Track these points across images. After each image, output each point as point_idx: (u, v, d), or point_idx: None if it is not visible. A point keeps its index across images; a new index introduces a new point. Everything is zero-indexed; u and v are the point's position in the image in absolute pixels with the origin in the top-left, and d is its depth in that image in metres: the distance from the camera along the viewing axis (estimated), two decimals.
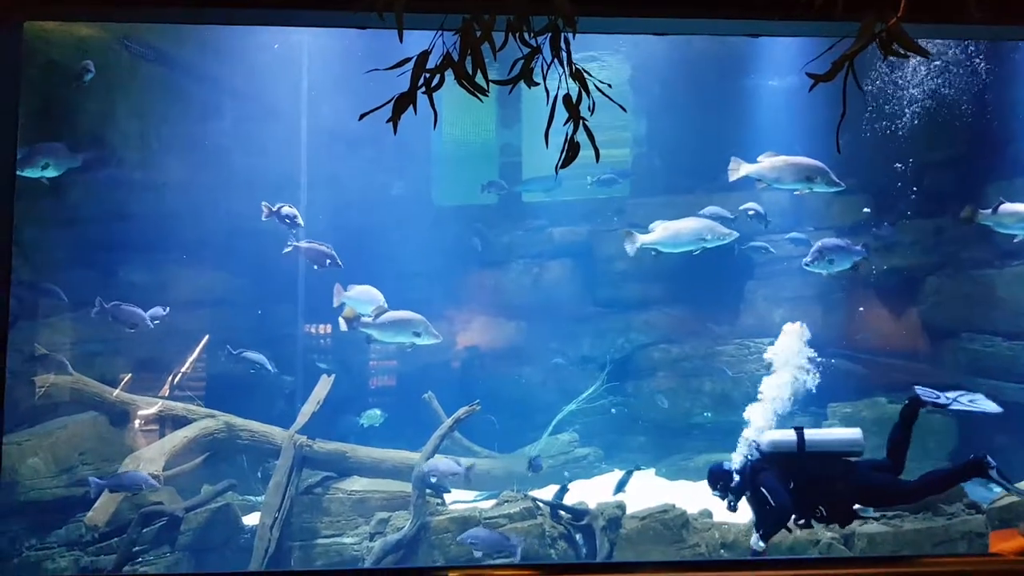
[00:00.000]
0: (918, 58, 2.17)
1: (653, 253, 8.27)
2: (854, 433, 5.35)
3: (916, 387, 5.45)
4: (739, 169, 7.82)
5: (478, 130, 12.14)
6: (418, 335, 7.82)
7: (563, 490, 7.88)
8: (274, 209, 7.92)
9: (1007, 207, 7.94)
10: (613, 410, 10.84)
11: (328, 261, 7.87)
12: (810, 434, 5.20)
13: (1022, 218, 7.90)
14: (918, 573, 3.29)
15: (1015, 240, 8.10)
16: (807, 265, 8.04)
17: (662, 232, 8.16)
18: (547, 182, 11.23)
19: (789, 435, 5.18)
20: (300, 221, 7.91)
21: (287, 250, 7.96)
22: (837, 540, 6.78)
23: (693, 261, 11.00)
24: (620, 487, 8.16)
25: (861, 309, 10.87)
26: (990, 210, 7.98)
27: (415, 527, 7.29)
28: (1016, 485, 5.60)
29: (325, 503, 7.92)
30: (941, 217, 10.44)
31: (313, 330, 10.91)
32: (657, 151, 11.57)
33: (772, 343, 10.64)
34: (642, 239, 8.19)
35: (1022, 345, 9.70)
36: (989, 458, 5.18)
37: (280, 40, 9.49)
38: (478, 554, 6.74)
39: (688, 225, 8.18)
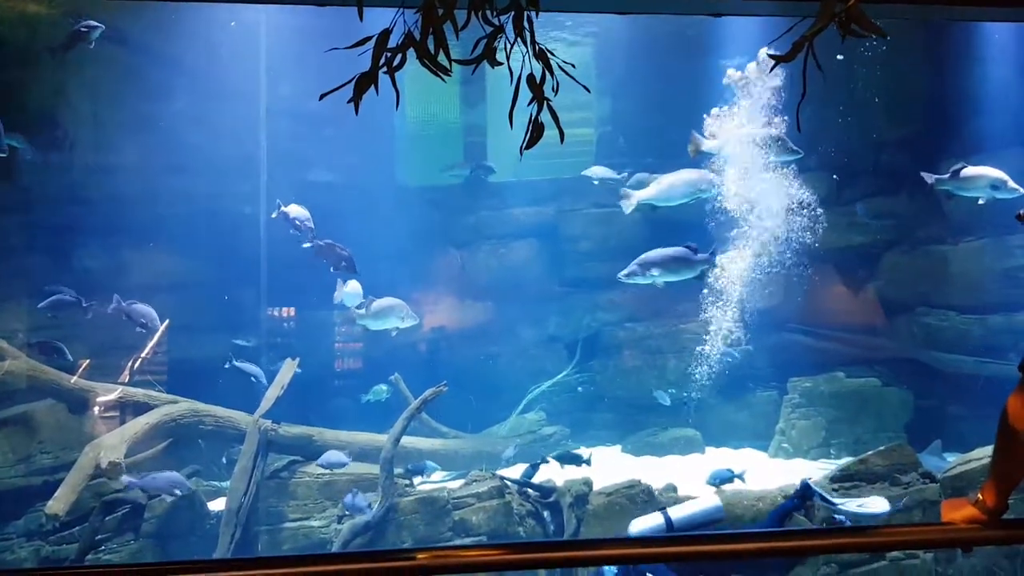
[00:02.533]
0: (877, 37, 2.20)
1: (651, 210, 8.07)
2: (714, 502, 5.38)
3: (808, 480, 5.55)
4: (698, 145, 7.79)
5: (442, 109, 12.02)
6: (402, 319, 8.12)
7: (533, 468, 7.92)
8: (284, 209, 7.71)
9: (969, 170, 7.86)
10: (580, 388, 10.93)
11: (343, 264, 7.78)
12: (674, 512, 5.22)
13: (986, 181, 7.84)
14: (875, 543, 3.38)
15: (979, 203, 7.97)
16: (622, 278, 7.83)
17: (656, 188, 7.92)
18: (464, 167, 11.13)
19: (656, 519, 5.19)
20: (311, 224, 7.73)
21: (306, 245, 7.77)
22: (799, 512, 6.95)
23: (656, 239, 11.11)
24: (562, 460, 8.04)
25: (820, 285, 11.07)
26: (948, 175, 7.94)
27: (383, 509, 7.30)
28: (839, 506, 5.82)
29: (292, 487, 7.88)
30: (897, 195, 10.65)
31: (276, 313, 10.78)
32: (621, 129, 11.60)
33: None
34: (638, 196, 7.95)
35: (974, 319, 9.97)
36: (811, 485, 5.47)
37: (236, 18, 9.26)
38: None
39: (682, 177, 7.87)
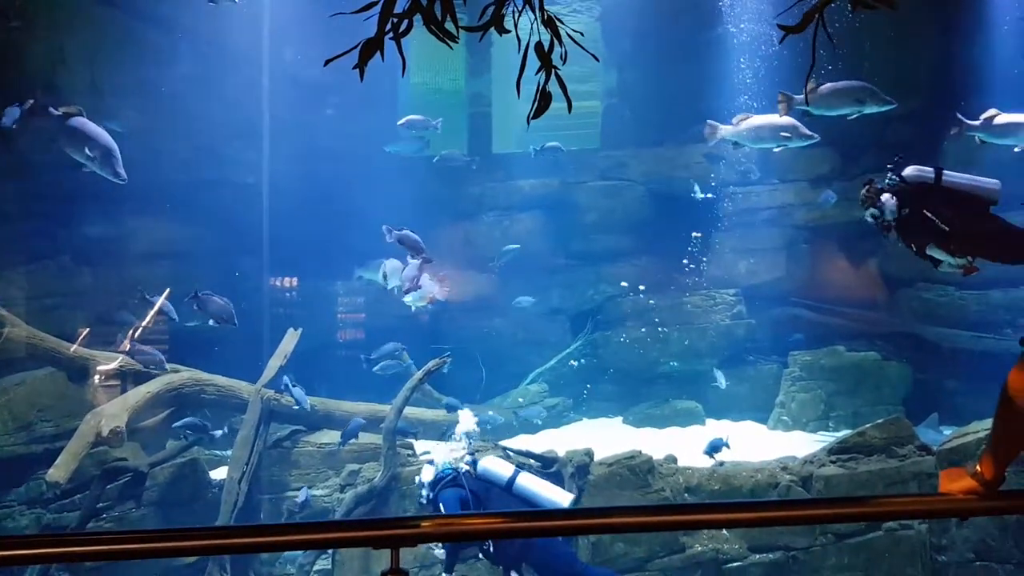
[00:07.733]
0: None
1: (734, 146, 7.93)
2: (565, 498, 5.09)
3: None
4: (790, 101, 7.24)
5: (447, 78, 11.88)
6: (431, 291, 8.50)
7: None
8: (398, 232, 7.60)
9: (1004, 118, 7.01)
10: (583, 360, 10.96)
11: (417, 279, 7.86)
12: (524, 480, 4.99)
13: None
14: (873, 513, 3.41)
15: (1015, 151, 7.18)
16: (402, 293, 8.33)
17: (746, 126, 7.74)
18: (418, 144, 10.91)
19: (506, 469, 4.95)
20: (421, 244, 7.67)
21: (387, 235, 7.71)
22: (796, 483, 7.01)
23: (660, 212, 11.08)
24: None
25: (821, 260, 11.05)
26: (978, 122, 7.12)
27: (386, 478, 7.35)
28: None
29: (294, 456, 7.92)
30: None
31: (278, 283, 10.76)
32: (627, 102, 11.50)
33: (737, 294, 10.78)
34: (724, 130, 7.79)
35: (973, 295, 9.98)
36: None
37: None
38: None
39: (772, 121, 7.65)
